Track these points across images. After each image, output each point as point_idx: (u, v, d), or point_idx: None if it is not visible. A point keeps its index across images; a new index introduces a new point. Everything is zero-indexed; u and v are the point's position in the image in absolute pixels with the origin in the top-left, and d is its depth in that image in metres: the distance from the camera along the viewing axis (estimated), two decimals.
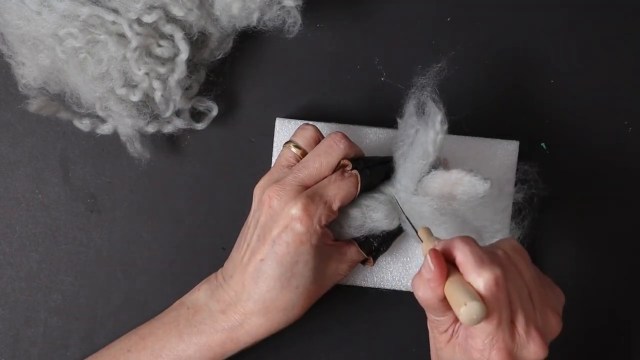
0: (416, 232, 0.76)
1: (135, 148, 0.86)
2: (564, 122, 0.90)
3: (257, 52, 0.90)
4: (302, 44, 0.89)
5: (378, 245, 0.83)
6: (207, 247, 0.89)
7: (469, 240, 0.69)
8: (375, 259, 0.84)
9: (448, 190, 0.78)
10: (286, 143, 0.82)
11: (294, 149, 0.81)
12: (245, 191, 0.83)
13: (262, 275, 0.78)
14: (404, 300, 0.88)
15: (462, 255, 0.68)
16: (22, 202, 0.90)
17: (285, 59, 0.90)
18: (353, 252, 0.82)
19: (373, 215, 0.81)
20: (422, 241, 0.74)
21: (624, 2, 0.90)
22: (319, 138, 0.82)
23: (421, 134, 0.78)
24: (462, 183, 0.77)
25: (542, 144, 0.89)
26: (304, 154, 0.81)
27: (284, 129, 0.87)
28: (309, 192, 0.78)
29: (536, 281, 0.71)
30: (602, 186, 0.90)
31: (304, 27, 0.86)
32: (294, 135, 0.83)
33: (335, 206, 0.78)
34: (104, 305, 0.90)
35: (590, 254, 0.90)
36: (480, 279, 0.67)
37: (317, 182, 0.79)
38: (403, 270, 0.87)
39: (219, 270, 0.83)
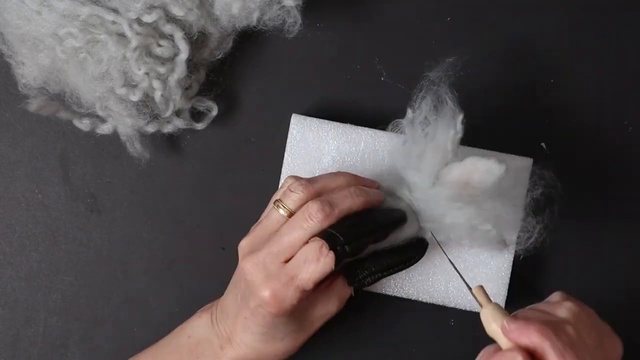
0: (470, 290, 0.72)
1: (135, 148, 0.86)
2: (564, 122, 0.90)
3: (257, 52, 0.90)
4: (302, 44, 0.89)
5: (363, 276, 0.79)
6: (207, 247, 0.89)
7: (546, 333, 0.68)
8: (356, 288, 0.80)
9: (465, 179, 0.77)
10: (275, 201, 0.78)
11: (282, 212, 0.77)
12: (245, 191, 0.83)
13: (248, 330, 0.78)
14: (408, 306, 0.88)
15: (542, 350, 0.67)
16: (22, 202, 0.90)
17: (285, 59, 0.90)
18: (339, 286, 0.80)
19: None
20: (480, 305, 0.71)
21: (624, 2, 0.90)
22: (310, 199, 0.77)
23: (440, 132, 0.77)
24: (477, 169, 0.77)
25: (542, 144, 0.89)
26: (292, 216, 0.78)
27: (299, 126, 0.86)
28: (281, 272, 0.75)
29: (598, 347, 0.71)
30: (603, 186, 0.90)
31: (304, 27, 0.86)
32: (284, 193, 0.78)
33: (308, 287, 0.75)
34: (104, 305, 0.90)
35: (591, 254, 0.90)
36: None
37: (292, 255, 0.76)
38: (426, 281, 0.87)
39: (217, 301, 0.82)
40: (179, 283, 0.89)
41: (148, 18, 0.82)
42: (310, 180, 0.78)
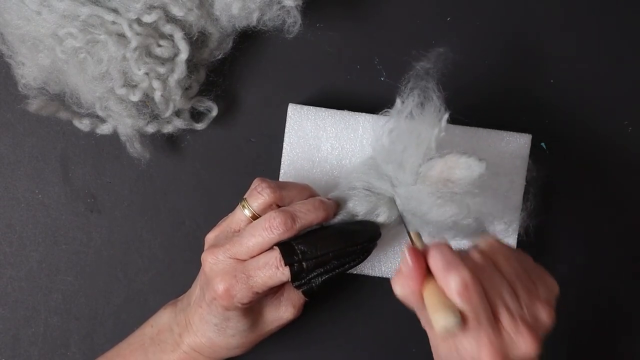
0: (409, 235, 0.76)
1: (135, 148, 0.86)
2: (564, 121, 0.90)
3: (257, 52, 0.90)
4: (302, 44, 0.89)
5: (310, 278, 0.78)
6: None
7: (440, 245, 0.69)
8: (307, 294, 0.80)
9: (446, 175, 0.78)
10: (242, 200, 0.79)
11: (247, 212, 0.79)
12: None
13: (203, 319, 0.81)
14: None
15: (433, 261, 0.68)
16: (22, 202, 0.90)
17: (285, 59, 0.90)
18: (293, 294, 0.82)
19: (357, 209, 0.81)
20: (412, 244, 0.74)
21: (624, 1, 0.90)
22: (275, 205, 0.79)
23: (424, 130, 0.78)
24: (458, 166, 0.77)
25: (542, 144, 0.90)
26: (255, 218, 0.79)
27: (297, 115, 0.86)
28: (238, 270, 0.77)
29: (520, 275, 0.71)
30: (602, 186, 0.90)
31: (304, 27, 0.86)
32: (251, 194, 0.79)
33: (261, 290, 0.77)
34: (104, 305, 0.90)
35: (590, 253, 0.90)
36: (449, 284, 0.67)
37: (250, 257, 0.78)
38: None
39: (184, 294, 0.85)
40: (179, 283, 0.89)
41: (148, 18, 0.82)
42: (279, 185, 0.79)
